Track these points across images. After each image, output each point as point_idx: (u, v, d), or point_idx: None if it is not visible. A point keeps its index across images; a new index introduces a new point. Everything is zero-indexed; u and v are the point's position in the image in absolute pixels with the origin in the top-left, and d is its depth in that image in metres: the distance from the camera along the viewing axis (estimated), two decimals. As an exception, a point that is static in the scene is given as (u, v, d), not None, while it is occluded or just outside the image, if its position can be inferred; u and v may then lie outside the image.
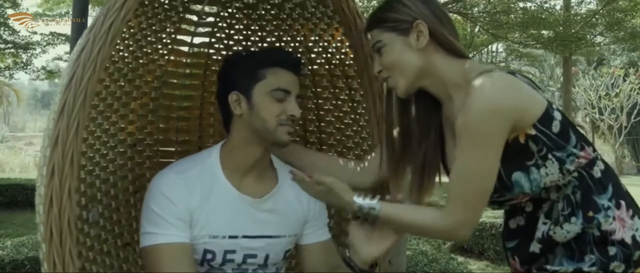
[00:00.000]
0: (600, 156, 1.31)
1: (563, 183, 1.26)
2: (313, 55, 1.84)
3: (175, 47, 1.81)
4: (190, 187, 1.44)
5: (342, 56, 1.74)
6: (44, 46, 10.86)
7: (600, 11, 6.73)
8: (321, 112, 1.89)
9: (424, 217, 1.33)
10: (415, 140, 1.43)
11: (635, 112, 20.56)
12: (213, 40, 1.89)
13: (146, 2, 1.53)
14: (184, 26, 1.82)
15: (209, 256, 1.48)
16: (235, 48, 1.91)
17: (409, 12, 1.31)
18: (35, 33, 10.51)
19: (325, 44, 1.78)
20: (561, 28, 6.43)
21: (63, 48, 11.79)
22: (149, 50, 1.72)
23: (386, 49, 1.34)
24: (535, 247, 1.31)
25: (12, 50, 10.60)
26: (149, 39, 1.69)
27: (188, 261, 1.42)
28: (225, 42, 1.90)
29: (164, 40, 1.77)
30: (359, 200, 1.34)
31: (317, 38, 1.78)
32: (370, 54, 1.49)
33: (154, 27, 1.69)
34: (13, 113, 43.04)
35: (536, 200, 1.32)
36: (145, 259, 1.44)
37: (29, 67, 10.79)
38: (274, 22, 1.85)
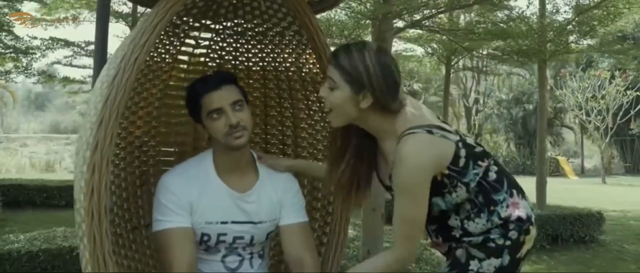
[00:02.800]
0: (493, 160, 1.71)
1: (470, 193, 1.66)
2: (290, 73, 2.24)
3: (175, 65, 2.19)
4: (189, 184, 1.83)
5: (313, 72, 2.13)
6: (44, 50, 11.07)
7: (575, 20, 7.08)
8: (296, 120, 2.28)
9: (379, 262, 1.73)
10: (349, 161, 1.78)
11: (621, 113, 21.03)
12: (207, 60, 2.28)
13: (161, 35, 1.92)
14: (183, 49, 2.21)
15: (205, 238, 1.86)
16: (226, 66, 2.30)
17: (365, 77, 1.60)
18: (35, 37, 10.71)
19: (300, 63, 2.18)
20: (536, 36, 6.81)
21: (62, 52, 12.08)
22: (154, 68, 2.10)
23: (336, 92, 1.64)
24: (456, 233, 1.70)
25: (13, 54, 10.82)
26: (155, 59, 2.08)
27: (190, 241, 1.80)
28: (218, 61, 2.30)
29: (166, 60, 2.16)
30: None
31: (293, 59, 2.19)
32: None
33: (159, 50, 2.09)
34: (7, 114, 42.93)
35: (450, 210, 1.71)
36: (157, 241, 1.84)
37: (29, 70, 11.05)
38: (258, 46, 2.26)
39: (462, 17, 7.62)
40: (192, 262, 1.78)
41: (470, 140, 1.70)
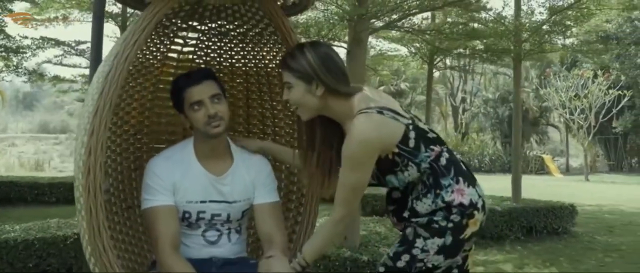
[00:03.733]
0: (446, 148, 1.96)
1: (421, 174, 1.91)
2: (268, 70, 2.50)
3: (166, 62, 2.44)
4: (173, 167, 2.08)
5: None
6: (34, 50, 11.21)
7: (550, 20, 7.35)
8: (275, 111, 2.54)
9: (325, 230, 2.00)
10: (319, 151, 2.03)
11: (603, 112, 21.43)
12: (195, 57, 2.53)
13: (152, 35, 2.16)
14: (172, 47, 2.46)
15: (187, 215, 2.10)
16: (212, 63, 2.54)
17: (309, 69, 1.88)
18: (26, 37, 10.85)
19: (277, 60, 2.43)
20: (512, 36, 7.09)
21: (52, 51, 12.22)
22: (147, 64, 2.35)
23: (293, 90, 1.92)
24: (406, 214, 1.96)
25: (3, 53, 10.96)
26: (147, 57, 2.33)
27: (173, 218, 2.05)
28: (204, 58, 2.55)
29: (158, 58, 2.41)
30: (296, 267, 1.95)
31: (271, 57, 2.45)
32: None
33: (151, 48, 2.34)
34: (-6, 114, 42.70)
35: (404, 188, 1.97)
36: (145, 217, 2.08)
37: (20, 69, 11.19)
38: (240, 45, 2.52)
39: (442, 18, 7.87)
40: (176, 235, 2.02)
41: (423, 126, 1.95)
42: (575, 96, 21.25)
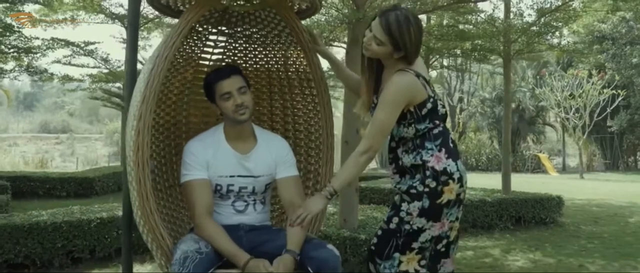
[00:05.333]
0: (443, 126, 2.40)
1: (415, 135, 2.35)
2: (288, 67, 2.95)
3: (200, 61, 2.89)
4: (206, 148, 2.51)
5: (303, 66, 2.82)
6: (44, 50, 11.62)
7: (538, 22, 7.76)
8: (294, 102, 2.99)
9: (350, 161, 2.37)
10: (370, 75, 2.46)
11: (598, 110, 21.84)
12: (224, 57, 2.97)
13: (187, 39, 2.59)
14: (205, 49, 2.90)
15: (218, 187, 2.52)
16: (238, 62, 2.99)
17: (408, 45, 2.28)
18: (36, 38, 11.28)
19: (293, 59, 2.87)
20: (501, 38, 7.50)
21: (61, 52, 12.65)
22: (183, 64, 2.83)
23: (381, 46, 2.31)
24: (396, 164, 2.42)
25: (15, 53, 11.36)
26: (183, 57, 2.80)
27: (207, 189, 2.47)
28: (232, 58, 3.01)
29: (193, 57, 2.89)
30: (327, 194, 2.32)
31: (288, 55, 2.88)
32: (318, 64, 2.61)
33: (187, 50, 2.79)
34: (-5, 114, 42.95)
35: (398, 140, 2.43)
36: (184, 189, 2.51)
37: (31, 69, 11.59)
38: (262, 46, 2.98)
39: (437, 20, 8.28)
40: (210, 204, 2.45)
41: (439, 102, 2.39)
42: (570, 96, 21.64)
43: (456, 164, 2.37)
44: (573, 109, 21.68)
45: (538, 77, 24.61)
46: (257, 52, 3.02)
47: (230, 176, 2.53)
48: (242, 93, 2.50)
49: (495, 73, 29.99)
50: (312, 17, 5.89)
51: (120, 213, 4.97)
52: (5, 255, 4.30)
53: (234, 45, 2.99)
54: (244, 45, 3.01)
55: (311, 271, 2.28)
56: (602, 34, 24.98)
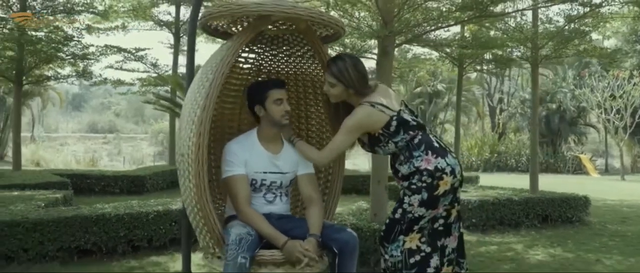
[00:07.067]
0: (421, 132, 2.91)
1: (400, 149, 2.87)
2: (305, 81, 3.47)
3: (231, 74, 3.40)
4: (243, 148, 3.01)
5: (322, 80, 3.32)
6: (98, 56, 12.39)
7: (567, 27, 8.03)
8: (308, 112, 3.56)
9: (313, 152, 3.04)
10: (339, 118, 2.99)
11: (639, 112, 21.61)
12: (251, 71, 3.49)
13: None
14: (236, 64, 3.41)
15: (253, 181, 3.02)
16: (263, 75, 3.51)
17: (351, 79, 2.88)
18: (91, 45, 12.01)
19: (314, 72, 3.38)
20: (529, 44, 7.82)
21: (113, 57, 13.47)
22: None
23: (335, 88, 2.93)
24: (398, 174, 2.93)
25: (72, 60, 12.15)
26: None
27: (245, 184, 2.97)
28: (258, 68, 3.52)
29: (233, 69, 3.37)
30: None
31: (310, 70, 3.40)
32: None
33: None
34: (46, 114, 44.75)
35: (391, 157, 2.96)
36: (227, 183, 3.01)
37: (87, 74, 12.40)
38: (285, 63, 3.48)
39: (471, 28, 8.63)
40: (248, 195, 2.96)
41: (408, 117, 2.90)
42: (611, 96, 21.49)
43: (445, 160, 2.84)
44: (614, 110, 21.54)
45: (578, 77, 24.46)
46: (279, 69, 3.53)
47: (264, 172, 3.03)
48: (287, 103, 3.04)
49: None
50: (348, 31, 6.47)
51: (173, 207, 5.56)
52: (76, 242, 4.91)
53: (260, 62, 3.50)
54: (270, 62, 3.52)
55: (335, 250, 2.78)
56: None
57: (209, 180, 3.29)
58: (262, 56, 3.49)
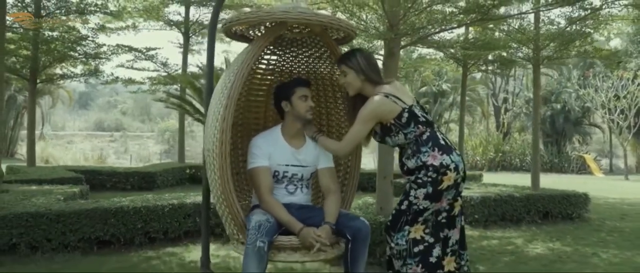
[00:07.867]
0: (430, 130, 3.12)
1: (408, 142, 3.08)
2: (324, 81, 3.70)
3: (254, 75, 3.66)
4: (267, 142, 3.26)
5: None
6: (109, 55, 12.66)
7: (568, 29, 8.23)
8: (328, 109, 3.80)
9: (333, 144, 3.27)
10: (356, 113, 3.20)
11: (643, 112, 21.74)
12: (275, 69, 3.73)
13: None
14: (259, 65, 3.66)
15: (276, 173, 3.27)
16: (284, 76, 3.74)
17: (359, 65, 3.13)
18: (103, 44, 12.28)
19: (332, 74, 3.61)
20: (531, 45, 8.04)
21: (124, 57, 13.76)
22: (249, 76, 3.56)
23: (348, 76, 3.16)
24: (405, 168, 3.14)
25: (84, 59, 12.43)
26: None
27: (269, 175, 3.22)
28: (281, 70, 3.76)
29: (254, 70, 3.62)
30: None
31: (327, 71, 3.63)
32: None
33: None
34: (53, 112, 45.07)
35: (400, 150, 3.17)
36: (251, 174, 3.26)
37: (99, 73, 12.68)
38: (305, 64, 3.71)
39: (476, 28, 8.85)
40: (271, 185, 3.20)
41: (419, 112, 3.11)
42: (615, 97, 21.63)
43: (450, 157, 3.06)
44: (618, 110, 21.67)
45: (582, 78, 24.58)
46: (300, 69, 3.79)
47: (286, 165, 3.27)
48: (312, 100, 3.31)
49: (542, 74, 29.92)
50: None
51: (188, 201, 5.81)
52: (96, 233, 5.17)
53: (281, 63, 3.78)
54: (289, 63, 3.79)
55: (349, 237, 3.03)
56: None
57: (236, 173, 3.59)
58: (283, 58, 3.77)
